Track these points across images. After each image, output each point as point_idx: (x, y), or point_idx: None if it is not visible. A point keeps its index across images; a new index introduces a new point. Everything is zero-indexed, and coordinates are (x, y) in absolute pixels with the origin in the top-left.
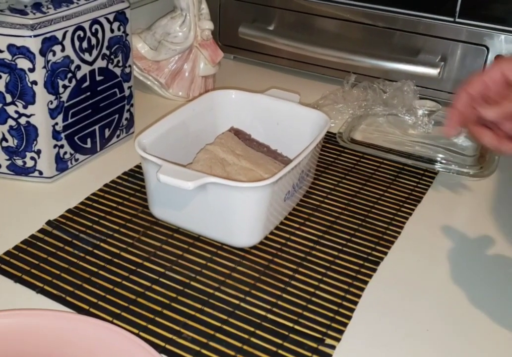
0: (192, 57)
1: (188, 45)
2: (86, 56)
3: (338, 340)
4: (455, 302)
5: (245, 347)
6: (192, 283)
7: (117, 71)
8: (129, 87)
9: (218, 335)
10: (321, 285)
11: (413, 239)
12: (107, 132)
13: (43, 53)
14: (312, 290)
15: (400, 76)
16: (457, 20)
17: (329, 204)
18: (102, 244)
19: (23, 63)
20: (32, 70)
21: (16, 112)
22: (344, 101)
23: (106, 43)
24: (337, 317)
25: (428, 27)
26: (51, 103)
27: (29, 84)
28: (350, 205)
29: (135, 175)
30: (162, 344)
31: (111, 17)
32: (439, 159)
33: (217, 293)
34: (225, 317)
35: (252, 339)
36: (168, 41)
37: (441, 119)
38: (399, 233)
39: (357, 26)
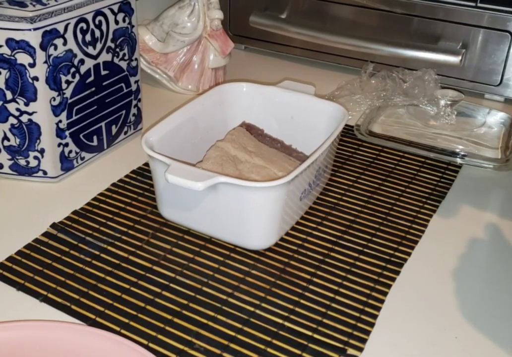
0: (201, 48)
1: (197, 36)
2: (90, 50)
3: (360, 349)
4: (486, 307)
5: None
6: (204, 288)
7: (123, 64)
8: (136, 81)
9: (232, 345)
10: (341, 290)
11: (438, 238)
12: (114, 129)
13: (43, 47)
14: (331, 295)
15: (420, 65)
16: (478, 5)
17: (348, 202)
18: (109, 248)
19: (23, 58)
20: (32, 65)
21: (18, 109)
22: (362, 91)
23: (110, 36)
24: (359, 325)
25: (448, 12)
26: (54, 99)
27: (30, 80)
28: (370, 203)
29: (144, 174)
30: (173, 356)
31: (115, 8)
32: (462, 152)
33: (230, 300)
34: (239, 325)
35: (269, 349)
36: (176, 32)
37: (464, 110)
38: (423, 231)
39: (374, 12)
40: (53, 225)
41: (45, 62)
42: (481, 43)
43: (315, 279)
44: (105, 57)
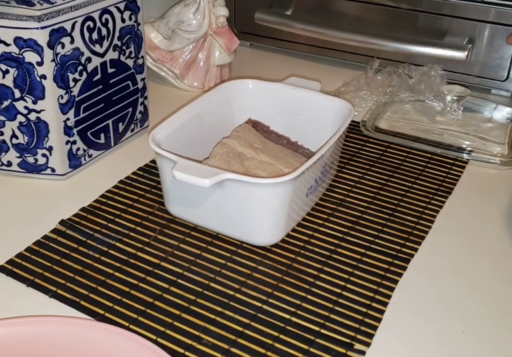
0: (206, 45)
1: (203, 33)
2: (97, 48)
3: (368, 344)
4: (493, 302)
5: (269, 353)
6: (212, 284)
7: (130, 62)
8: (143, 79)
9: (240, 340)
10: (348, 285)
11: (445, 233)
12: (121, 127)
13: (51, 45)
14: (338, 290)
15: (426, 60)
16: None
17: (354, 198)
18: (117, 244)
19: (31, 57)
20: (40, 63)
21: (26, 107)
22: (368, 87)
23: (117, 34)
24: (366, 320)
25: (454, 8)
26: (62, 97)
27: (38, 79)
28: (376, 199)
29: (151, 171)
30: (181, 351)
31: (121, 6)
32: (469, 147)
33: (237, 295)
34: (247, 321)
35: (276, 344)
36: (181, 29)
37: (470, 105)
38: (429, 227)
39: (379, 8)
40: (62, 222)
41: (53, 60)
42: (487, 38)
43: (322, 275)
44: (112, 55)
